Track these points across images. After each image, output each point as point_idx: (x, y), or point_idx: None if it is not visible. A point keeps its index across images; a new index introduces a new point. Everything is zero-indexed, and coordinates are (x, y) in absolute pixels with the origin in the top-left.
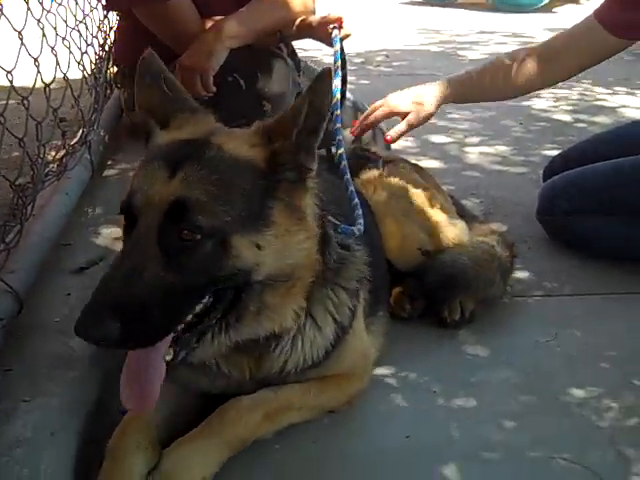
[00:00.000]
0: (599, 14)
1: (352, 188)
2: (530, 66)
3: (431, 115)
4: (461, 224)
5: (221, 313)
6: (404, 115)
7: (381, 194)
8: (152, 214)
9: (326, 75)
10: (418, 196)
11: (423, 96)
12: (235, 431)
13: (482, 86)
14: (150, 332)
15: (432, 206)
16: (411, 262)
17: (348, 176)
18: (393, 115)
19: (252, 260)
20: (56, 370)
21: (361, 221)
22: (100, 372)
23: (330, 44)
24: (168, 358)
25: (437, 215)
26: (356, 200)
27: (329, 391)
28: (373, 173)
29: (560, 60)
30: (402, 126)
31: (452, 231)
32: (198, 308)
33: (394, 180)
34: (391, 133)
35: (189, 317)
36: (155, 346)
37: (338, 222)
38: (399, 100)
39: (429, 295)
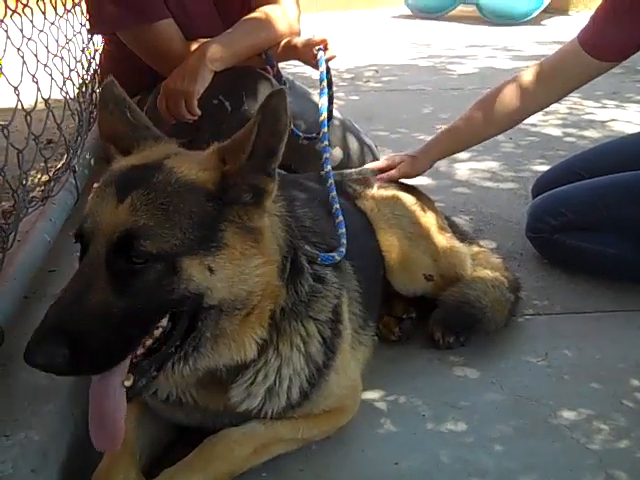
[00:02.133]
0: (581, 38)
1: (337, 206)
2: (517, 97)
3: (424, 168)
4: (464, 249)
5: (179, 340)
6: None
7: (380, 211)
8: (101, 240)
9: (277, 94)
10: (420, 217)
11: (419, 151)
12: (223, 465)
13: (471, 131)
14: (100, 358)
15: (435, 228)
16: (414, 286)
17: (334, 193)
18: (387, 167)
19: (204, 283)
20: (38, 403)
21: (344, 241)
22: (81, 404)
23: (315, 66)
24: (127, 384)
25: (440, 239)
26: (340, 218)
27: (319, 426)
28: (371, 191)
29: (547, 86)
30: (394, 172)
31: (456, 257)
32: (157, 333)
33: (394, 198)
34: (384, 176)
35: (149, 342)
36: (110, 373)
37: (316, 252)
38: (397, 156)
39: (443, 327)
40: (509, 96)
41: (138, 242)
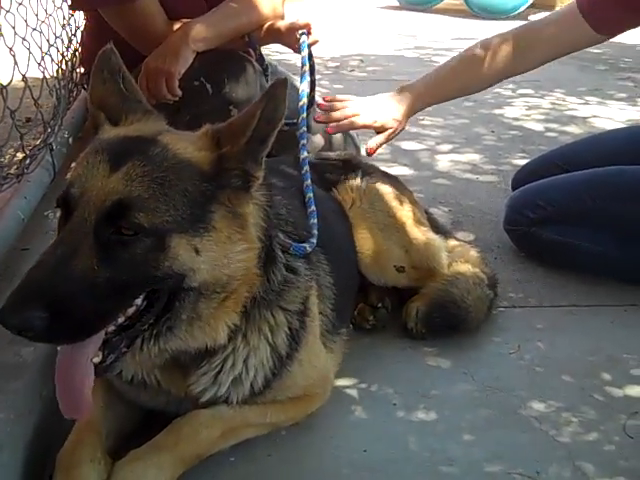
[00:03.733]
0: (581, 4)
1: (310, 195)
2: (504, 54)
3: (403, 126)
4: (439, 242)
5: (153, 318)
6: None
7: (360, 206)
8: (90, 206)
9: (280, 84)
10: (397, 210)
11: (397, 109)
12: (190, 447)
13: (452, 82)
14: (79, 327)
15: (411, 221)
16: (385, 277)
17: (308, 182)
18: (370, 128)
19: (189, 264)
20: (4, 380)
21: (315, 232)
22: (50, 383)
23: (297, 50)
24: (96, 360)
25: (415, 231)
26: (312, 208)
27: (287, 411)
28: (353, 183)
29: (537, 48)
30: (381, 138)
31: (430, 249)
32: (131, 311)
33: (374, 192)
34: (371, 145)
35: (121, 319)
36: (82, 346)
37: (290, 242)
38: (375, 113)
39: (427, 324)
40: (500, 52)
41: (131, 213)
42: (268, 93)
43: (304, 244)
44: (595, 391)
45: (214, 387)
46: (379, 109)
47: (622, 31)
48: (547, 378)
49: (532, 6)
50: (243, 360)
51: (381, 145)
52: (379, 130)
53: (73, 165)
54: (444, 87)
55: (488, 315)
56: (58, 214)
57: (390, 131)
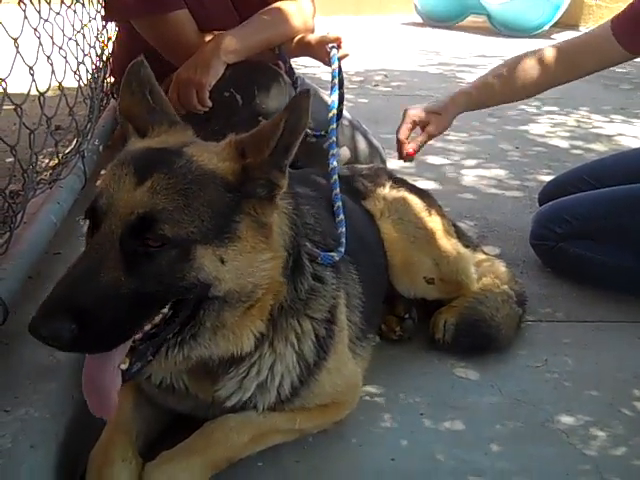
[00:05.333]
0: (614, 23)
1: (339, 204)
2: (549, 64)
3: (448, 125)
4: (468, 256)
5: (178, 327)
6: (424, 126)
7: (389, 217)
8: (117, 219)
9: (304, 95)
10: (426, 222)
11: (440, 107)
12: (220, 451)
13: (496, 89)
14: (106, 337)
15: (440, 233)
16: (415, 289)
17: (337, 191)
18: (415, 126)
19: (214, 273)
20: (39, 380)
21: (343, 241)
22: (80, 383)
23: (328, 63)
24: (124, 367)
25: (444, 244)
26: (341, 217)
27: (316, 418)
28: (382, 194)
29: (569, 63)
30: (422, 136)
31: (459, 262)
32: (157, 319)
33: (403, 203)
34: (412, 145)
35: (147, 327)
36: (109, 353)
37: (317, 251)
38: (417, 112)
39: (457, 343)
40: (531, 66)
41: (157, 225)
42: (292, 104)
43: (332, 253)
44: (623, 406)
45: (239, 392)
46: (421, 109)
47: None
48: (574, 392)
49: (556, 25)
50: (269, 367)
51: (423, 144)
52: (424, 124)
53: (102, 174)
54: (492, 91)
55: (517, 331)
56: (86, 224)
57: (431, 127)
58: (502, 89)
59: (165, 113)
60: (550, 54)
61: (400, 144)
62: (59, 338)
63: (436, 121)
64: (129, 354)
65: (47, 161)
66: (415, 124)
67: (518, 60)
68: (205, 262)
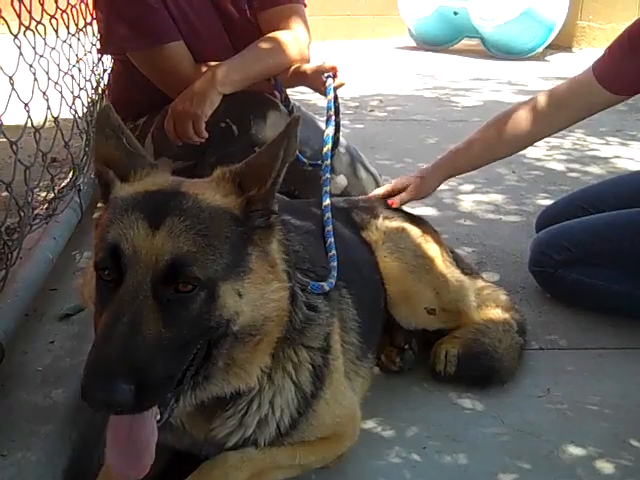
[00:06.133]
0: (596, 69)
1: (332, 240)
2: (528, 121)
3: (433, 188)
4: (468, 284)
5: (195, 370)
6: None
7: (388, 247)
8: (143, 268)
9: (295, 122)
10: (425, 251)
11: (425, 171)
12: None
13: (484, 149)
14: (158, 391)
15: (440, 262)
16: (416, 320)
17: (330, 227)
18: (395, 191)
19: (234, 308)
20: (35, 423)
21: (334, 274)
22: (78, 426)
23: (324, 93)
24: (157, 418)
25: (444, 273)
26: (333, 252)
27: (317, 453)
28: (380, 224)
29: (557, 113)
30: (404, 194)
31: (459, 291)
32: None
33: (401, 233)
34: (395, 199)
35: None
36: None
37: (307, 280)
38: (402, 179)
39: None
40: (520, 119)
41: (187, 269)
42: (286, 133)
43: (322, 283)
44: (629, 436)
45: (240, 430)
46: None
47: (638, 90)
48: (578, 423)
49: (549, 47)
50: (269, 401)
51: (404, 202)
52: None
53: (101, 223)
54: (471, 154)
55: (519, 362)
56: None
57: (412, 187)
58: (491, 148)
59: (143, 156)
60: (537, 106)
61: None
62: (118, 402)
63: (420, 183)
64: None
65: (44, 194)
66: (398, 188)
67: (504, 118)
68: (227, 298)
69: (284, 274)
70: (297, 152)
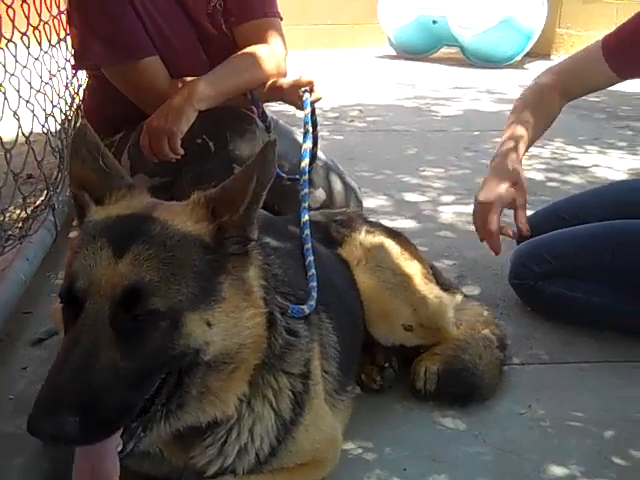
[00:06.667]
0: (604, 43)
1: (311, 258)
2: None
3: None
4: (447, 300)
5: (165, 398)
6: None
7: (365, 264)
8: (102, 297)
9: (270, 145)
10: (403, 268)
11: (511, 175)
12: None
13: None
14: (110, 423)
15: (418, 279)
16: (393, 337)
17: (309, 245)
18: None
19: (203, 338)
20: (7, 455)
21: (314, 295)
22: (49, 456)
23: (300, 107)
24: (119, 448)
25: (422, 289)
26: (312, 271)
27: (296, 479)
28: (358, 241)
29: (570, 90)
30: (521, 213)
31: (438, 307)
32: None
33: (379, 249)
34: (520, 226)
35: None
36: (109, 438)
37: (287, 304)
38: (501, 193)
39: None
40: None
41: (146, 299)
42: (261, 157)
43: (302, 306)
44: (612, 453)
45: (220, 459)
46: (496, 187)
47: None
48: (560, 440)
49: (528, 55)
50: (249, 429)
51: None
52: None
53: (71, 248)
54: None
55: (500, 377)
56: (59, 303)
57: (520, 199)
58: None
59: (120, 177)
60: (550, 81)
61: (493, 237)
62: (64, 433)
63: (519, 190)
64: (121, 434)
65: (17, 213)
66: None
67: (537, 96)
68: (194, 328)
69: (261, 300)
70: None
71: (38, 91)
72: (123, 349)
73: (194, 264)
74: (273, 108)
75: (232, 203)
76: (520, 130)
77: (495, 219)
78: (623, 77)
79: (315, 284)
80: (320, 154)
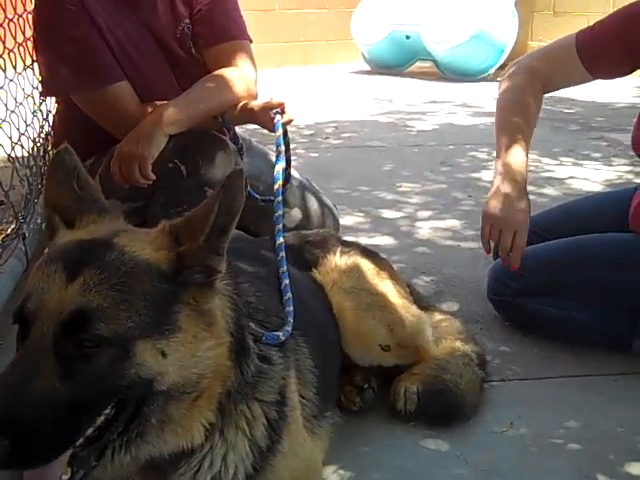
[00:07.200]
0: (579, 41)
1: (287, 282)
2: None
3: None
4: (424, 318)
5: (122, 427)
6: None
7: (340, 286)
8: (48, 321)
9: (236, 174)
10: (379, 288)
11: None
12: None
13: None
14: (44, 450)
15: (394, 298)
16: (370, 357)
17: (284, 268)
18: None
19: (156, 368)
20: None
21: (290, 320)
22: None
23: (272, 129)
24: (65, 478)
25: (398, 308)
26: (289, 295)
27: None
28: (332, 262)
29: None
30: (517, 255)
31: (415, 326)
32: (99, 420)
33: (354, 270)
34: (512, 262)
35: (89, 431)
36: (49, 465)
37: (261, 331)
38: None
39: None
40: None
41: (91, 325)
42: (225, 185)
43: (277, 332)
44: (592, 471)
45: None
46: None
47: (612, 76)
48: (542, 459)
49: (501, 68)
50: (221, 458)
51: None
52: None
53: (31, 274)
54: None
55: (480, 395)
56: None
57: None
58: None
59: (94, 200)
60: (529, 79)
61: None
62: None
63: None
64: (70, 462)
65: None
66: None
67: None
68: (145, 357)
69: (226, 330)
70: (249, 188)
71: (4, 120)
72: (63, 375)
73: (147, 292)
74: (247, 127)
75: (193, 232)
76: (518, 150)
77: (505, 242)
78: (594, 75)
79: (291, 308)
80: (295, 173)
